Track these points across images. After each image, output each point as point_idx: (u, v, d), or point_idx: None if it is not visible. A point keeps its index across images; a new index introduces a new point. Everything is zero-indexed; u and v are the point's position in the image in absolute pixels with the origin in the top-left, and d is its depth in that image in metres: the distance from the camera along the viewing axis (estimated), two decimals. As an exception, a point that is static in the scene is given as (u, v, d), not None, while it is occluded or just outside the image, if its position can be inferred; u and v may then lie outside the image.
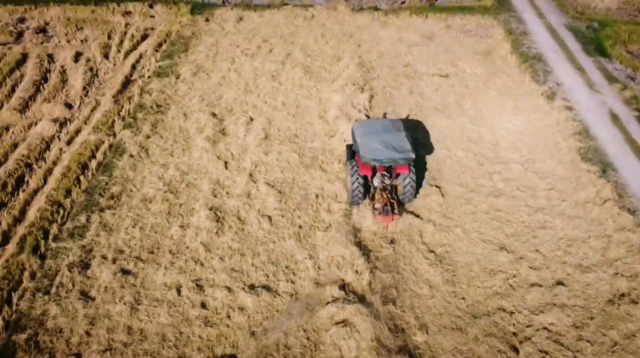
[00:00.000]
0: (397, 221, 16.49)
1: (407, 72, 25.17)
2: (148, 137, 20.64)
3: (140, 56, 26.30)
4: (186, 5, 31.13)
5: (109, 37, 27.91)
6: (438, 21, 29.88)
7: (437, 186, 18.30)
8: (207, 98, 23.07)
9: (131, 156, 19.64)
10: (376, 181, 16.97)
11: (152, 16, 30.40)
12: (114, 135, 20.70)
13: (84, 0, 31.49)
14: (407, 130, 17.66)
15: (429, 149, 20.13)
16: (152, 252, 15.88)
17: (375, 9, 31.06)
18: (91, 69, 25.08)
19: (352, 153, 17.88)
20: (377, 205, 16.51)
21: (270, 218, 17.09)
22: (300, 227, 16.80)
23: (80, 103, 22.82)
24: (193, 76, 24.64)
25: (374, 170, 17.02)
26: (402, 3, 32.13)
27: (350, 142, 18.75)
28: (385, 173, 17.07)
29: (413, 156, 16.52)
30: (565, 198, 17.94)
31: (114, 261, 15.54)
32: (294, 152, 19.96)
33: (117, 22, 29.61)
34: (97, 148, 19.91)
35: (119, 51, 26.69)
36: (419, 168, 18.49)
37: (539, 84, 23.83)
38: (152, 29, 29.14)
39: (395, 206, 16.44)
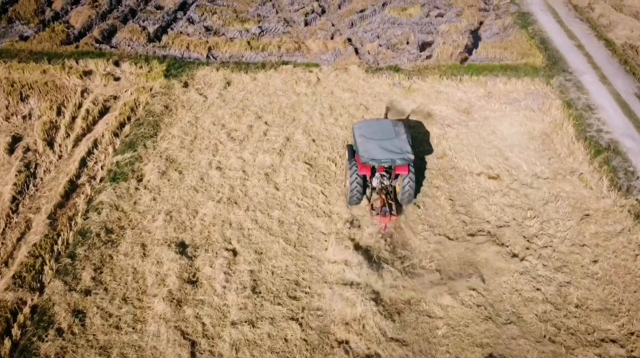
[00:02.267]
0: (395, 221, 16.49)
1: (444, 169, 19.24)
2: (87, 293, 14.50)
3: (95, 144, 20.14)
4: (160, 63, 25.12)
5: (59, 113, 21.90)
6: (475, 86, 23.77)
7: None
8: (176, 216, 17.02)
9: (59, 332, 13.58)
10: (375, 182, 17.24)
11: (117, 78, 24.30)
12: (41, 290, 14.70)
13: (35, 56, 25.72)
14: (407, 131, 17.76)
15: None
16: None
17: (396, 69, 25.04)
18: (28, 166, 19.01)
19: (352, 152, 17.89)
20: (376, 205, 16.83)
21: None
22: None
23: (6, 226, 16.83)
24: (160, 178, 18.61)
25: (373, 170, 17.16)
26: (428, 58, 26.16)
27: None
28: (384, 173, 17.22)
29: (412, 157, 16.56)
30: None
31: None
32: (293, 320, 13.99)
33: (72, 87, 23.48)
34: (14, 316, 13.85)
35: (67, 135, 20.61)
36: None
37: (621, 194, 17.79)
38: (115, 98, 23.04)
39: (393, 207, 16.53)
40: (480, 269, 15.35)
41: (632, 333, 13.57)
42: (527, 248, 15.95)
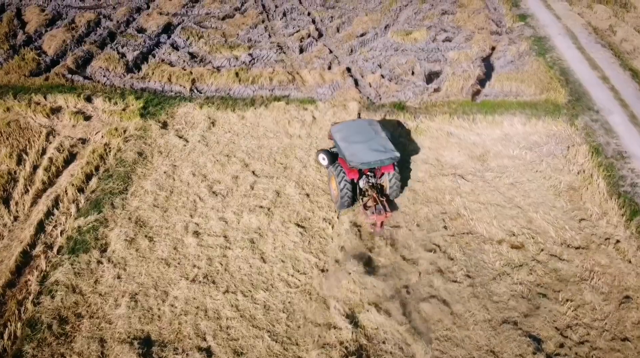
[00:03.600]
0: (390, 218, 16.54)
1: (459, 233, 16.59)
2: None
3: (56, 201, 17.42)
4: (137, 99, 22.42)
5: (19, 162, 19.32)
6: (490, 127, 21.05)
7: None
8: (142, 301, 14.25)
9: None
10: (362, 183, 17.37)
11: (88, 117, 21.57)
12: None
13: (0, 90, 23.13)
14: (385, 129, 18.05)
15: None
16: None
17: (400, 106, 22.42)
18: (-24, 232, 16.57)
19: (332, 157, 17.96)
20: (369, 204, 16.72)
21: None
22: None
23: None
24: (127, 248, 15.90)
25: (360, 173, 17.25)
26: (436, 91, 23.52)
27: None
28: (369, 173, 17.41)
29: (398, 154, 16.88)
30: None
31: None
32: None
33: (37, 129, 20.74)
34: None
35: (26, 190, 17.92)
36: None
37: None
38: (84, 141, 20.35)
39: (386, 204, 16.50)
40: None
41: None
42: (562, 346, 13.41)
